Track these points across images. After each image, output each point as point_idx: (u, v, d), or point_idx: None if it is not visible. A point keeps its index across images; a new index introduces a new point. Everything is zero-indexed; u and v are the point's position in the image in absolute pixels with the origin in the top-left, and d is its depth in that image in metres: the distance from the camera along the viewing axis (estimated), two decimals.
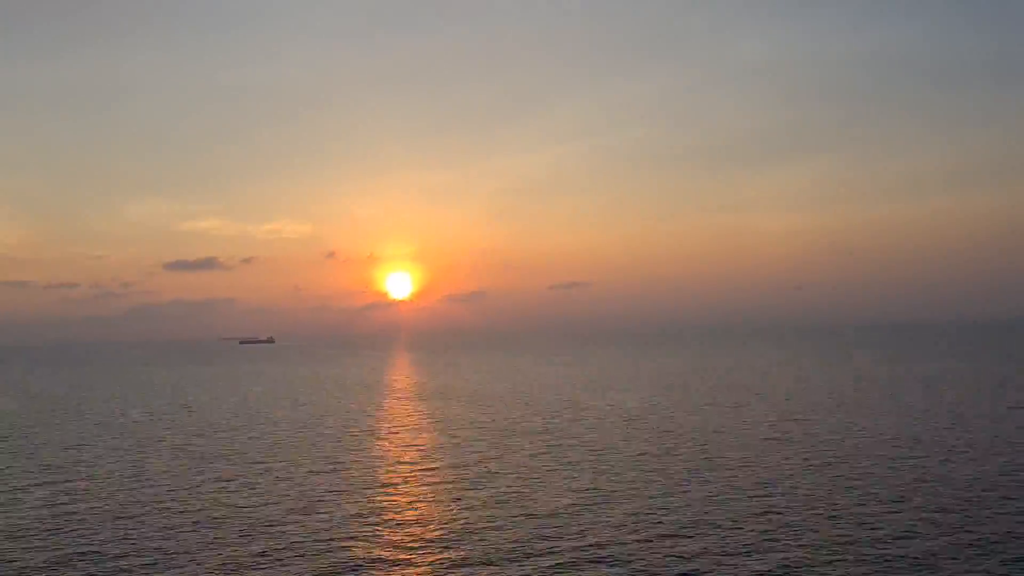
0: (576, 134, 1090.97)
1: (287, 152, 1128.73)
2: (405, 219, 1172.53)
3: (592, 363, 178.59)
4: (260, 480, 46.16)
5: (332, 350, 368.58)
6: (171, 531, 34.80)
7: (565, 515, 35.94)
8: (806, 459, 48.31)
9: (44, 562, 30.82)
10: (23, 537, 34.49)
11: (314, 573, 28.85)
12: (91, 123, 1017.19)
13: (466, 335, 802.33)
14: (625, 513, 36.10)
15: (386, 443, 60.46)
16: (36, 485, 45.92)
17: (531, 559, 29.82)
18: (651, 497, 39.15)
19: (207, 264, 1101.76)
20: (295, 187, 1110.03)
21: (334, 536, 33.49)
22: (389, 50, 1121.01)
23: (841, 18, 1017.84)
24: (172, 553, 31.56)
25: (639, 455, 51.36)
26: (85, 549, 32.36)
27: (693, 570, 28.28)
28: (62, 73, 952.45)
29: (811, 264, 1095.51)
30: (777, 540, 31.39)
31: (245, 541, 33.01)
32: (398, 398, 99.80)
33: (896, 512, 35.12)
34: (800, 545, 30.68)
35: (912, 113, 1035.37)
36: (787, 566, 28.36)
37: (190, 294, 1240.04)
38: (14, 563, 30.79)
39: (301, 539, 33.14)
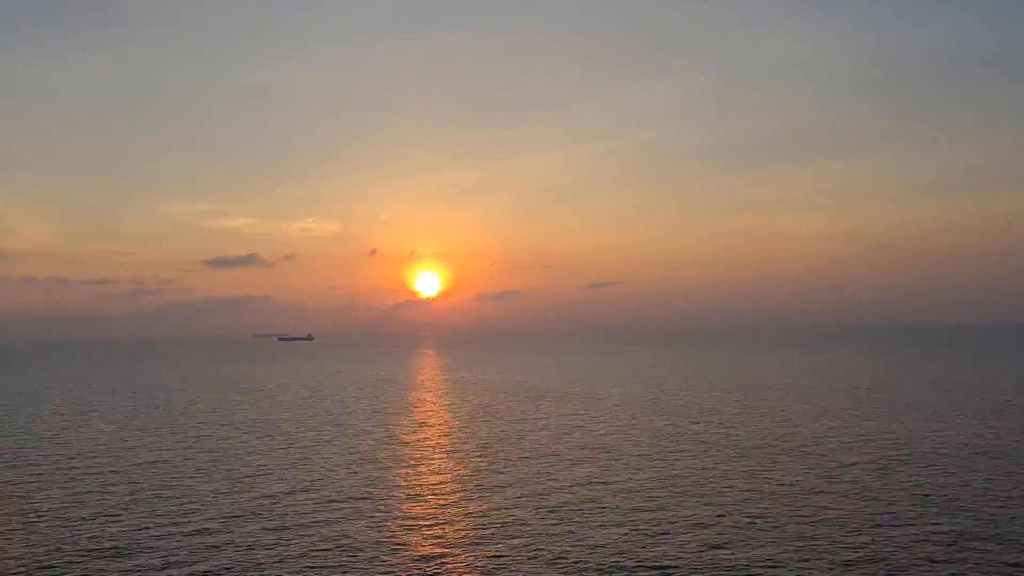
0: (603, 133, 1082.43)
1: (317, 151, 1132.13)
2: (434, 218, 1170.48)
3: (674, 363, 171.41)
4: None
5: (382, 348, 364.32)
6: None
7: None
8: None
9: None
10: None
11: None
12: (124, 121, 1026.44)
13: (502, 334, 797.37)
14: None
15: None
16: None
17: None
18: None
19: (248, 261, 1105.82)
20: (324, 186, 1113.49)
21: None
22: (416, 50, 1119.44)
23: (871, 13, 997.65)
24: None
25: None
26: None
27: None
28: (96, 73, 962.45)
29: (845, 264, 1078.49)
30: None
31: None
32: (533, 399, 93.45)
33: None
34: None
35: (944, 110, 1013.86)
36: None
37: (225, 291, 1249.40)
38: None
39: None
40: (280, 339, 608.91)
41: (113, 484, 44.16)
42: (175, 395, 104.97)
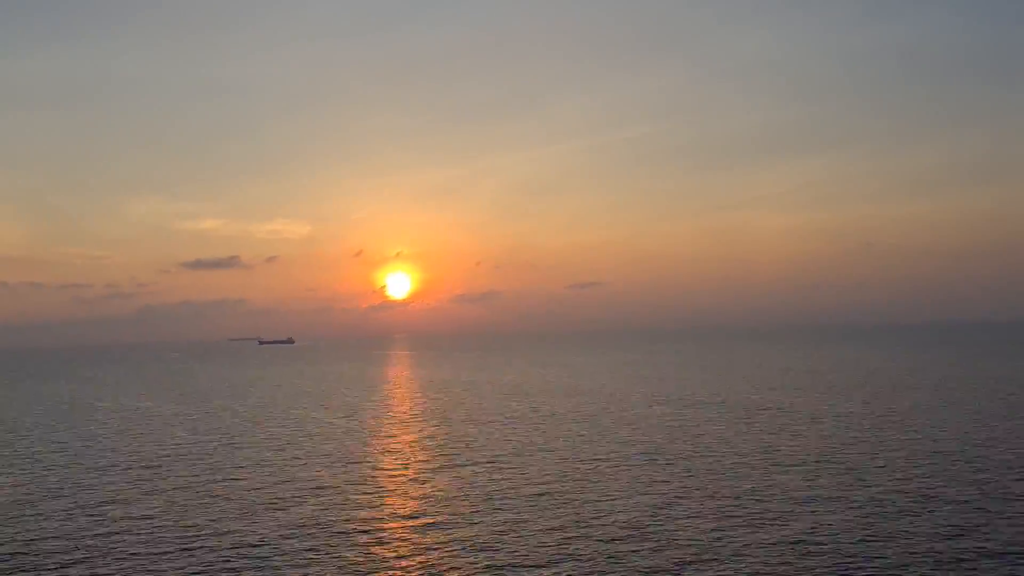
0: (580, 131, 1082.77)
1: (288, 150, 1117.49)
2: (409, 217, 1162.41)
3: (697, 360, 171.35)
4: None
5: (364, 350, 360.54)
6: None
7: None
8: None
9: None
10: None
11: None
12: (88, 119, 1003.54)
13: (481, 336, 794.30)
14: None
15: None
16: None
17: None
18: None
19: (230, 263, 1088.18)
20: (295, 185, 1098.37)
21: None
22: (388, 46, 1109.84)
23: (848, 10, 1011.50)
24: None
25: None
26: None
27: None
28: (59, 68, 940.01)
29: (824, 261, 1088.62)
30: None
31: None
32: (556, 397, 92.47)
33: None
34: None
35: (921, 107, 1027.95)
36: None
37: (199, 294, 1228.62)
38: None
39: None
40: (260, 343, 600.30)
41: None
42: (283, 406, 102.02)
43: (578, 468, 44.41)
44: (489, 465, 46.20)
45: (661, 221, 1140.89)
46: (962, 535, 29.64)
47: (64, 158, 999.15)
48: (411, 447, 54.42)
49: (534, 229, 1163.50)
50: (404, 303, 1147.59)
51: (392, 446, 55.03)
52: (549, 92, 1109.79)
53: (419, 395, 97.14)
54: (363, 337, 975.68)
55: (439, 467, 46.22)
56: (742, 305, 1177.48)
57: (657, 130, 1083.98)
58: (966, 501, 34.55)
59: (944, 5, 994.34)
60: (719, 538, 29.94)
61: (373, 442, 57.14)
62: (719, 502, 35.44)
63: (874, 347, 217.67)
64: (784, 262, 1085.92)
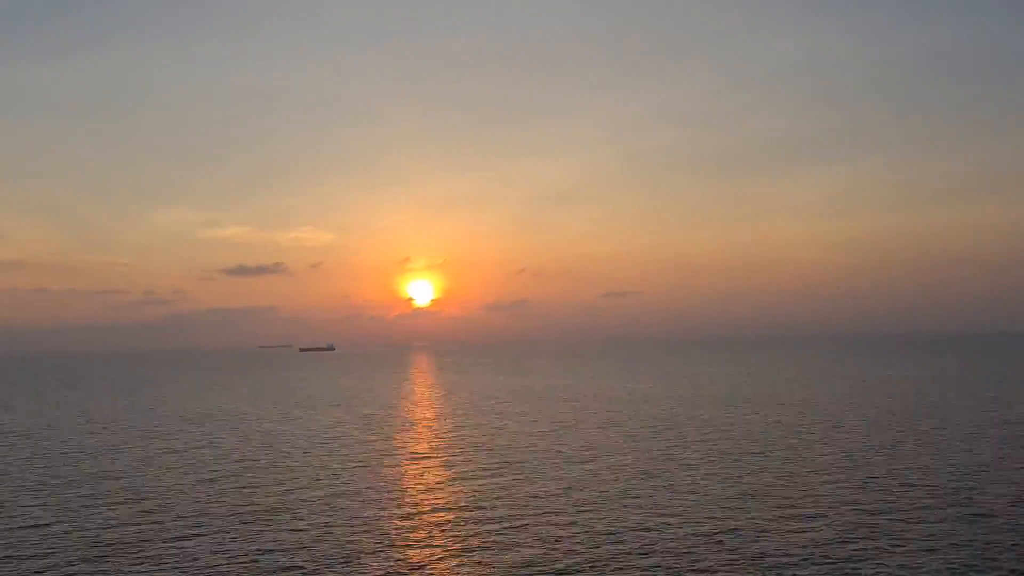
0: (607, 138, 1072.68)
1: (311, 159, 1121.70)
2: (436, 227, 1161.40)
3: (789, 371, 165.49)
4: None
5: (414, 356, 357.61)
6: None
7: None
8: None
9: None
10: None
11: None
12: (111, 127, 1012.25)
13: (510, 344, 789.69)
14: None
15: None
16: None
17: None
18: None
19: (273, 270, 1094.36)
20: (320, 194, 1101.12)
21: None
22: (410, 51, 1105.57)
23: (876, 18, 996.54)
24: None
25: None
26: None
27: None
28: (80, 77, 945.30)
29: (855, 271, 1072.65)
30: None
31: None
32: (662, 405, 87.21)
33: None
34: None
35: (949, 115, 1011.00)
36: None
37: (231, 302, 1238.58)
38: None
39: None
40: (301, 350, 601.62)
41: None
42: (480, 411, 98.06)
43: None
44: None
45: (687, 230, 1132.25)
46: None
47: (87, 167, 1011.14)
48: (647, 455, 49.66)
49: (561, 237, 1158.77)
50: (433, 311, 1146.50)
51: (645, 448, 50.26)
52: (575, 98, 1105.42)
53: (558, 404, 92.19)
54: (401, 344, 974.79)
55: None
56: (772, 314, 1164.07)
57: (686, 137, 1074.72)
58: None
59: (972, 12, 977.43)
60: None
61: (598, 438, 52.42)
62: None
63: (941, 358, 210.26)
64: (812, 272, 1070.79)
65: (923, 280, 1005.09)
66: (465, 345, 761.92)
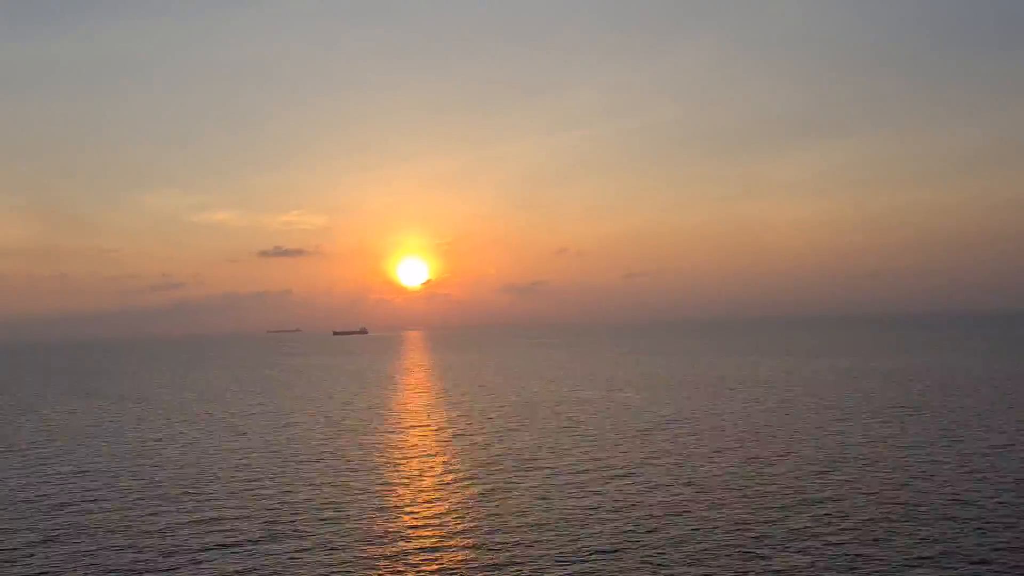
0: (600, 114, 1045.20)
1: (299, 140, 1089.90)
2: (429, 207, 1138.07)
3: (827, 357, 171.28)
4: None
5: (455, 338, 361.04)
6: None
7: None
8: None
9: None
10: None
11: None
12: (94, 106, 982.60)
13: (533, 326, 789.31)
14: None
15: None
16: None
17: None
18: None
19: (299, 252, 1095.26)
20: (311, 176, 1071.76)
21: None
22: (402, 27, 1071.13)
23: None
24: None
25: None
26: None
27: None
28: (63, 54, 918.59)
29: (867, 249, 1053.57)
30: None
31: None
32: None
33: None
34: None
35: (959, 86, 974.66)
36: None
37: (240, 287, 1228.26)
38: None
39: None
40: (335, 333, 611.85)
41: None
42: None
43: None
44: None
45: (682, 208, 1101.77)
46: None
47: (71, 150, 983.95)
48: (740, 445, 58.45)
49: (561, 216, 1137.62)
50: (447, 294, 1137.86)
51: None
52: (567, 74, 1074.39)
53: (644, 386, 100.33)
54: (421, 327, 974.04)
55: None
56: (767, 295, 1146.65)
57: (686, 111, 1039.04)
58: None
59: None
60: None
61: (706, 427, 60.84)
62: None
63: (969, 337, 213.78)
64: (815, 251, 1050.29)
65: (957, 257, 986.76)
66: (503, 328, 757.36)
